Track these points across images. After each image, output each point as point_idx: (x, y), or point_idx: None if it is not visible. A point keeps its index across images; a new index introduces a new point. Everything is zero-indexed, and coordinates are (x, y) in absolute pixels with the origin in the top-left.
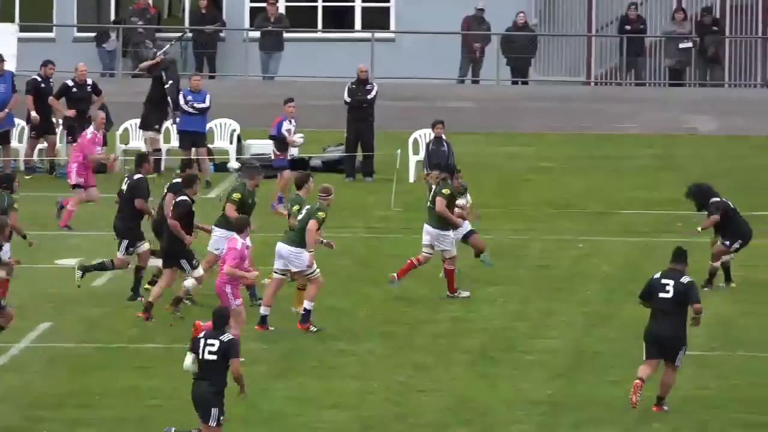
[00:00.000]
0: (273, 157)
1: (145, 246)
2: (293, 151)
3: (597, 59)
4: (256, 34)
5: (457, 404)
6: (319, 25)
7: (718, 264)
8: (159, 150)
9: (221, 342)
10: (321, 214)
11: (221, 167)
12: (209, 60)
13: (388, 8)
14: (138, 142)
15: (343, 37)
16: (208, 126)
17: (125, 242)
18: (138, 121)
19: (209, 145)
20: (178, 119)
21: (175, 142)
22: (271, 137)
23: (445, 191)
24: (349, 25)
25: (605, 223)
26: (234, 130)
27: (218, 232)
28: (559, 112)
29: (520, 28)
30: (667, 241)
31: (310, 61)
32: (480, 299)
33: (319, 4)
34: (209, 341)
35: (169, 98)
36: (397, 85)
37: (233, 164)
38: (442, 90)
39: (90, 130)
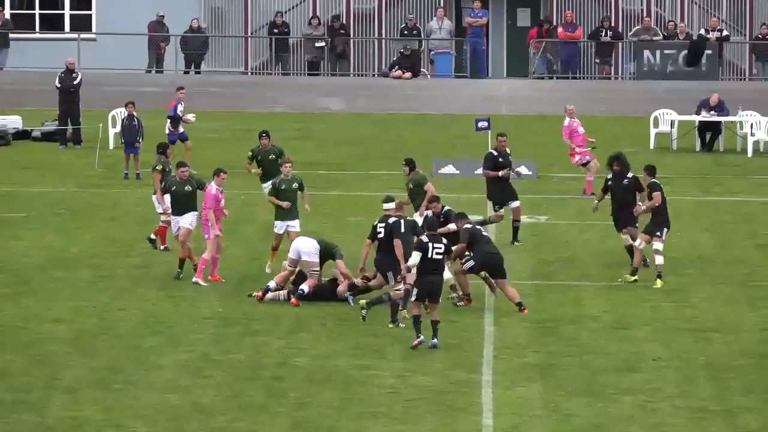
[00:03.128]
0: (167, 133)
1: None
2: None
3: (252, 54)
4: None
5: (148, 319)
6: (37, 28)
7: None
8: None
9: (444, 244)
10: None
11: None
12: None
13: (90, 15)
14: None
15: (55, 37)
16: None
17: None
18: None
19: None
20: None
21: None
22: (169, 117)
23: None
24: (60, 28)
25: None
26: None
27: None
28: (225, 96)
29: (195, 31)
30: (311, 194)
31: (30, 56)
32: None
33: (37, 12)
34: (435, 245)
35: None
36: (97, 74)
37: None
38: (133, 78)
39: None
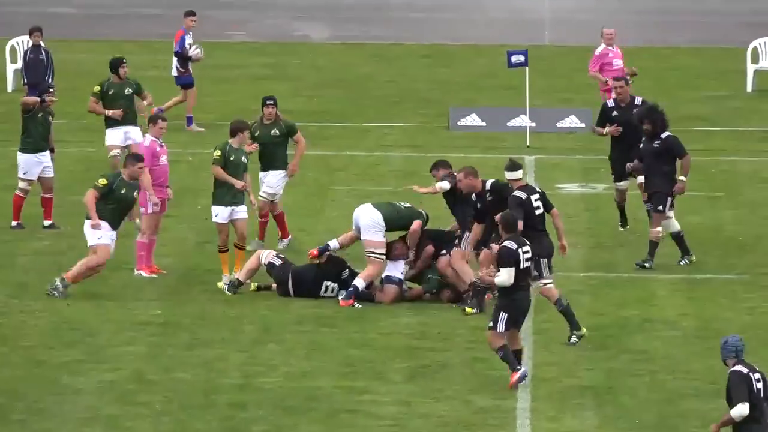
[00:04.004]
0: (176, 75)
1: None
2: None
3: None
4: None
5: (62, 325)
6: None
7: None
8: None
9: (528, 245)
10: None
11: None
12: None
13: None
14: None
15: None
16: None
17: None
18: None
19: None
20: None
21: None
22: (176, 54)
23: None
24: None
25: (217, 135)
26: None
27: None
28: (165, 19)
29: None
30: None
31: None
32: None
33: None
34: (524, 249)
35: None
36: None
37: None
38: None
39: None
